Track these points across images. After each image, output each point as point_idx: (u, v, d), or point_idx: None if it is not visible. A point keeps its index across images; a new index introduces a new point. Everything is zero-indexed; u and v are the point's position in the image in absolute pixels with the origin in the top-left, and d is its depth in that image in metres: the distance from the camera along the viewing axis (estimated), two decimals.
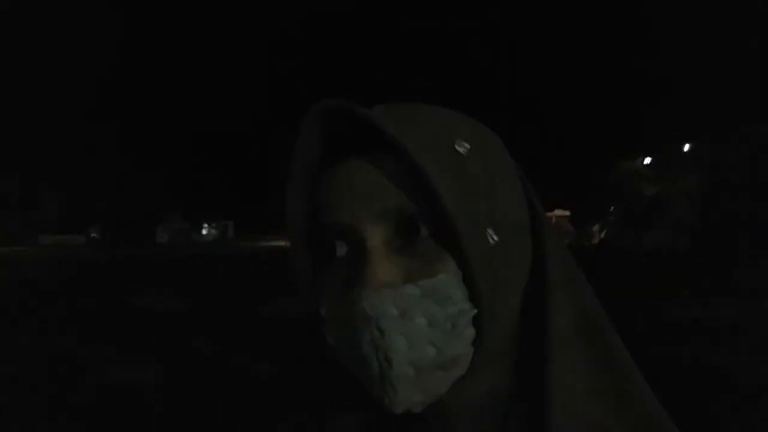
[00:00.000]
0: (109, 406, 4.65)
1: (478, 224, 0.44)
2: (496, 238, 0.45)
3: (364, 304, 0.42)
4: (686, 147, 40.71)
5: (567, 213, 67.82)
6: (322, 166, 0.50)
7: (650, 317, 8.08)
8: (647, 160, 43.72)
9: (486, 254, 0.44)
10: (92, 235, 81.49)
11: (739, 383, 4.86)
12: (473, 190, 0.45)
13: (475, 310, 0.44)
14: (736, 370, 5.21)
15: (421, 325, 0.43)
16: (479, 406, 0.48)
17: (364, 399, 0.47)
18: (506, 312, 0.47)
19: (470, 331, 0.44)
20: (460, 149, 0.46)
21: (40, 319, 9.07)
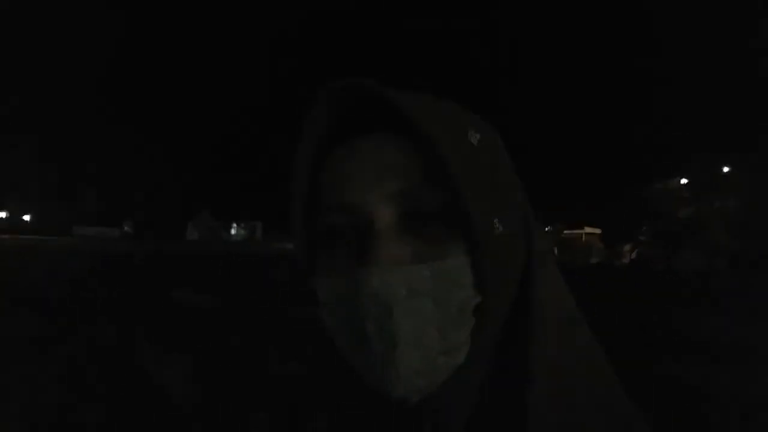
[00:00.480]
0: (138, 397, 4.74)
1: (488, 212, 0.44)
2: (501, 228, 0.45)
3: (374, 281, 0.41)
4: (725, 169, 39.84)
5: (598, 231, 66.94)
6: (330, 145, 0.49)
7: (681, 335, 7.91)
8: (683, 181, 42.85)
9: (493, 243, 0.44)
10: (126, 229, 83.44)
11: None
12: (483, 179, 0.45)
13: (479, 299, 0.44)
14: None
15: (428, 307, 0.42)
16: (473, 399, 0.47)
17: (356, 392, 0.46)
18: (505, 303, 0.47)
19: (472, 320, 0.44)
20: (472, 139, 0.46)
21: (70, 309, 9.29)
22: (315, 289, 0.48)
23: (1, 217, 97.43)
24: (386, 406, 0.45)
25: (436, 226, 0.44)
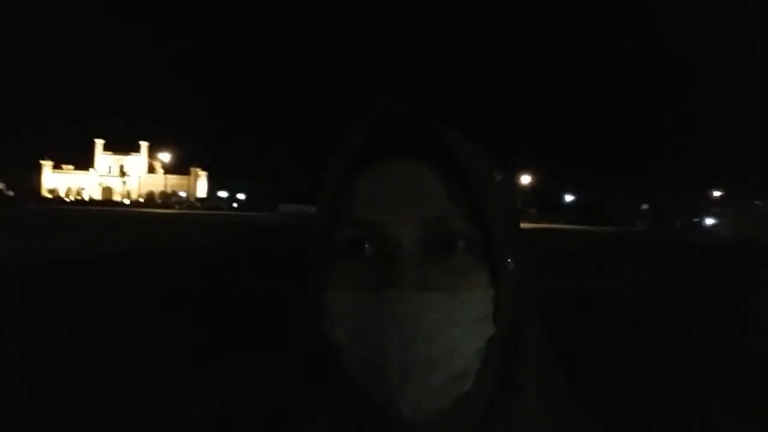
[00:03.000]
0: None
1: (507, 251, 0.46)
2: (512, 265, 0.47)
3: (401, 304, 0.42)
4: None
5: None
6: (359, 163, 0.49)
7: None
8: None
9: (508, 279, 0.46)
10: None
11: None
12: (504, 216, 0.47)
13: (494, 330, 0.45)
14: None
15: (452, 335, 0.43)
16: (474, 423, 0.47)
17: (358, 407, 0.46)
18: (512, 336, 0.48)
19: (484, 348, 0.45)
20: (497, 178, 0.49)
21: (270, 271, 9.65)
22: (322, 301, 0.47)
23: (222, 197, 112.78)
24: (390, 423, 0.45)
25: (463, 257, 0.45)
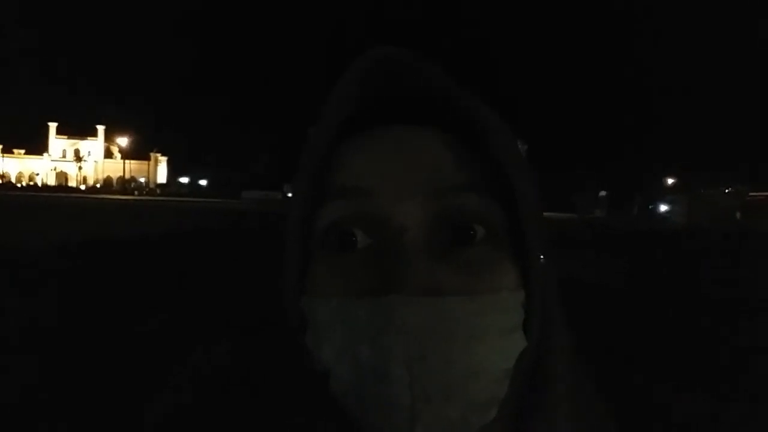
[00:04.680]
0: None
1: (540, 241, 0.37)
2: (542, 258, 0.38)
3: (404, 312, 0.32)
4: None
5: None
6: (351, 130, 0.39)
7: None
8: None
9: (541, 278, 0.37)
10: (288, 193, 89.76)
11: None
12: (534, 198, 0.38)
13: (525, 344, 0.36)
14: None
15: (473, 352, 0.33)
16: None
17: None
18: (542, 351, 0.38)
19: (511, 371, 0.35)
20: (521, 149, 0.39)
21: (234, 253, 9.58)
22: (303, 310, 0.37)
23: (183, 182, 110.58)
24: None
25: (483, 249, 0.36)
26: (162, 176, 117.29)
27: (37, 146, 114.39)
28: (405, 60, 0.38)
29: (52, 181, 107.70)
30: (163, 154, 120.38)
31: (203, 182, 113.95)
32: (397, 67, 0.38)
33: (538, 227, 0.37)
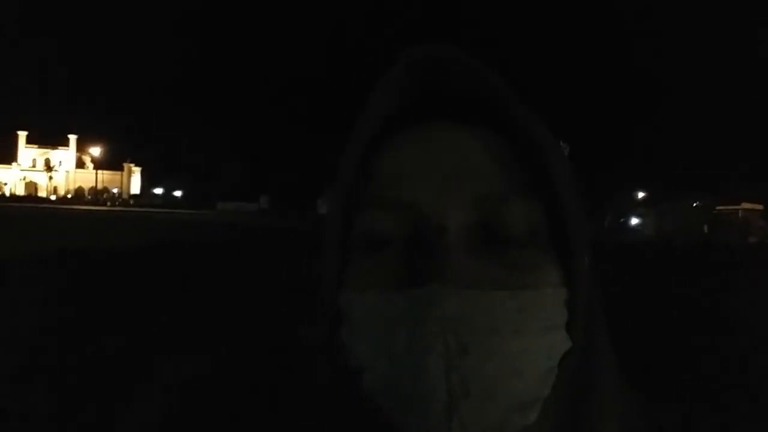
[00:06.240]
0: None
1: (585, 241, 0.37)
2: (587, 259, 0.37)
3: (444, 303, 0.31)
4: None
5: (759, 207, 59.55)
6: (391, 129, 0.39)
7: None
8: None
9: (586, 277, 0.37)
10: (262, 204, 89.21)
11: None
12: (578, 199, 0.37)
13: (569, 345, 0.35)
14: None
15: (513, 349, 0.32)
16: None
17: None
18: (586, 352, 0.38)
19: (555, 371, 0.34)
20: (565, 150, 0.39)
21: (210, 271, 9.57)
22: (339, 306, 0.37)
23: (157, 193, 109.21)
24: None
25: (524, 247, 0.35)
26: (136, 187, 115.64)
27: (6, 156, 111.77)
28: (461, 59, 0.37)
29: (21, 192, 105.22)
30: (137, 165, 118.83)
31: (178, 193, 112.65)
32: (453, 65, 0.37)
33: (582, 230, 0.37)
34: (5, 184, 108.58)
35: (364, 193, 0.37)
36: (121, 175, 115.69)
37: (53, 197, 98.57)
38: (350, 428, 0.36)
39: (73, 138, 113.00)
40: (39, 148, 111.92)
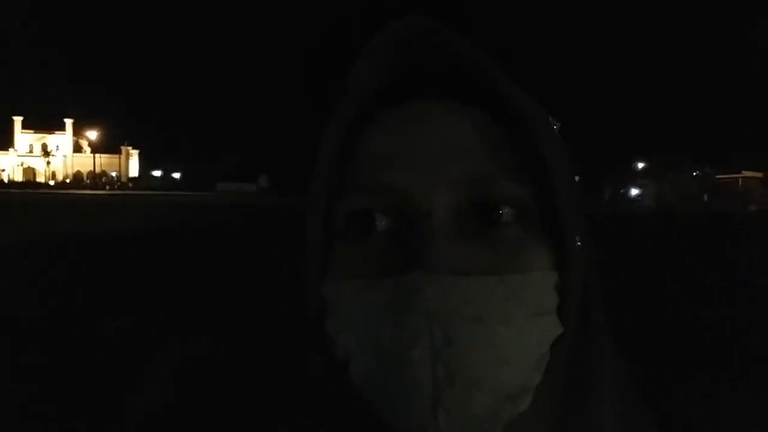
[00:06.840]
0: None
1: (576, 222, 0.35)
2: (579, 241, 0.35)
3: (429, 292, 0.30)
4: None
5: (759, 174, 59.46)
6: (372, 108, 0.38)
7: None
8: None
9: (578, 260, 0.35)
10: (261, 184, 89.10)
11: None
12: (569, 178, 0.36)
13: (561, 330, 0.34)
14: None
15: (501, 335, 0.31)
16: None
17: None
18: (579, 338, 0.36)
19: (547, 358, 0.33)
20: (555, 126, 0.38)
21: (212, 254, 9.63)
22: (324, 295, 0.36)
23: (156, 176, 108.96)
24: None
25: (512, 230, 0.34)
26: (134, 170, 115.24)
27: (2, 142, 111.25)
28: (443, 35, 0.36)
29: (19, 177, 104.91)
30: (134, 148, 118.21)
31: (176, 175, 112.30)
32: (436, 39, 0.36)
33: (574, 209, 0.35)
34: (3, 170, 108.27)
35: (348, 176, 0.36)
36: (119, 158, 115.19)
37: (52, 182, 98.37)
38: (342, 419, 0.36)
39: (69, 122, 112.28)
40: (35, 133, 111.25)
